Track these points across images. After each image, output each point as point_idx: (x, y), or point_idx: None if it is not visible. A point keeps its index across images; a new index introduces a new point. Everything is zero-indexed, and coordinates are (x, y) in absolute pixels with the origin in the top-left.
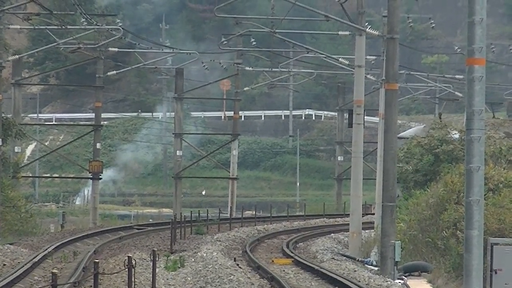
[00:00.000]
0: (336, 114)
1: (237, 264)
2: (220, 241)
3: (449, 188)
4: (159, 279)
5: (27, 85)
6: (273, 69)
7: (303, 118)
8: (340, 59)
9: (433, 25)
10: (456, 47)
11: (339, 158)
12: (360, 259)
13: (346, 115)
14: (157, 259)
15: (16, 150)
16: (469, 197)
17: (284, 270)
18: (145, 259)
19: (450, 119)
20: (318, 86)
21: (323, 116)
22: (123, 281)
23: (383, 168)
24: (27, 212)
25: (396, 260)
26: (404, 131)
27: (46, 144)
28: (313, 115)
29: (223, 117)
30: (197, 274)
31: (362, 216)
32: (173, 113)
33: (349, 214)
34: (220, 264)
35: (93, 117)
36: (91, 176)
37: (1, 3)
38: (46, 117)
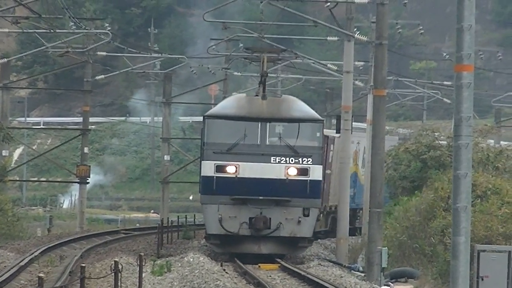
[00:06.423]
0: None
1: (224, 269)
2: (207, 246)
3: (439, 194)
4: (146, 283)
5: (15, 88)
6: None
7: None
8: (328, 65)
9: (422, 31)
10: (445, 54)
11: None
12: (347, 265)
13: (333, 121)
14: (143, 263)
15: (3, 154)
16: (456, 203)
17: (270, 276)
18: (131, 264)
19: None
20: (306, 92)
21: None
22: (109, 286)
23: (370, 174)
24: (14, 216)
25: (382, 266)
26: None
27: (33, 148)
28: None
29: None
30: (183, 279)
31: None
32: (161, 118)
33: None
34: (207, 269)
35: (81, 121)
36: (79, 180)
37: None
38: (34, 121)
